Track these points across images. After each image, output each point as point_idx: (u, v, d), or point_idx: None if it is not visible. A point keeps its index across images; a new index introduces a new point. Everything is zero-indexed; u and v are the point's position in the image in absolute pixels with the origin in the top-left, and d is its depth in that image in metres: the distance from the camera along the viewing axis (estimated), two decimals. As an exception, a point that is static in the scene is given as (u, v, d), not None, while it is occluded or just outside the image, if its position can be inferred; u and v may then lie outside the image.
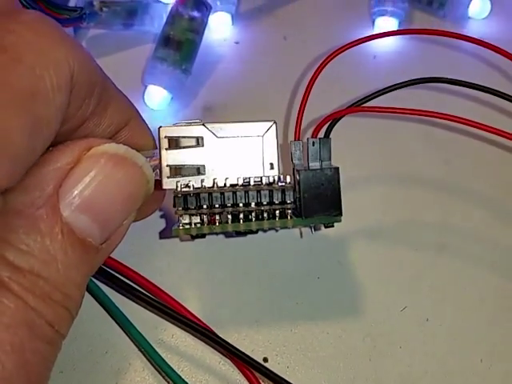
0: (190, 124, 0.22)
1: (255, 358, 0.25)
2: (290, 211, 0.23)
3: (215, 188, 0.22)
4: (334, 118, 0.23)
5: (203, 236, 0.24)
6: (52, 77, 0.16)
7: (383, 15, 0.34)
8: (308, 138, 0.23)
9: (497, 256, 0.29)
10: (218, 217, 0.22)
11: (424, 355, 0.26)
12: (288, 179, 0.22)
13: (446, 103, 0.32)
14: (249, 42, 0.35)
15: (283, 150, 0.28)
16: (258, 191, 0.22)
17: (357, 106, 0.23)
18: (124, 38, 0.34)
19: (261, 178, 0.22)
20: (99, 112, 0.19)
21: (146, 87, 0.32)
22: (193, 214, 0.22)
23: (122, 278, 0.26)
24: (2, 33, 0.15)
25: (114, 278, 0.26)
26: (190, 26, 0.31)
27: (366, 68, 0.33)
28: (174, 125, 0.22)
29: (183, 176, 0.22)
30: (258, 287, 0.27)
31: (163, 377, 0.25)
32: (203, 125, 0.22)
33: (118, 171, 0.18)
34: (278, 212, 0.22)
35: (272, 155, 0.22)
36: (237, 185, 0.22)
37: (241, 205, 0.22)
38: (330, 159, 0.23)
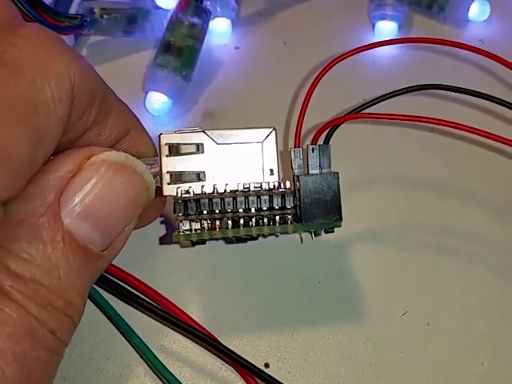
0: (190, 131, 0.22)
1: (257, 363, 0.25)
2: (290, 216, 0.23)
3: (215, 194, 0.22)
4: (333, 125, 0.23)
5: (203, 242, 0.24)
6: (53, 89, 0.16)
7: (383, 19, 0.35)
8: (308, 145, 0.23)
9: (498, 259, 0.29)
10: (218, 222, 0.22)
11: (425, 360, 0.26)
12: (288, 185, 0.22)
13: (445, 109, 0.32)
14: (249, 47, 0.35)
15: (283, 155, 0.29)
16: (258, 197, 0.22)
17: (356, 113, 0.23)
18: (125, 45, 0.34)
19: (261, 183, 0.22)
20: (100, 122, 0.19)
21: (146, 93, 0.32)
22: (193, 220, 0.22)
23: (123, 284, 0.26)
24: (3, 47, 0.16)
25: (115, 285, 0.26)
26: (190, 32, 0.31)
27: (366, 73, 0.33)
28: (175, 132, 0.22)
29: (184, 182, 0.22)
30: (258, 292, 0.27)
31: (164, 383, 0.25)
32: (203, 132, 0.22)
33: (119, 178, 0.18)
34: (278, 217, 0.22)
35: (272, 161, 0.22)
36: (237, 191, 0.22)
37: (241, 210, 0.22)
38: (329, 166, 0.23)
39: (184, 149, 0.22)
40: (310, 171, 0.23)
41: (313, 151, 0.23)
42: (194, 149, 0.22)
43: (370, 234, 0.29)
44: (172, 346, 0.26)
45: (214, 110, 0.32)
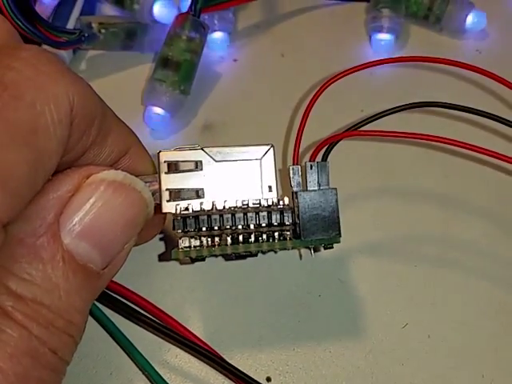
0: (189, 148, 0.22)
1: (258, 377, 0.25)
2: (288, 233, 0.23)
3: (214, 210, 0.22)
4: (331, 142, 0.23)
5: (203, 259, 0.24)
6: (52, 112, 0.16)
7: (380, 31, 0.35)
8: (306, 162, 0.23)
9: (498, 270, 0.29)
10: (217, 239, 0.23)
11: (426, 372, 0.26)
12: (286, 201, 0.22)
13: (442, 124, 0.32)
14: (247, 59, 0.35)
15: (282, 171, 0.29)
16: (257, 213, 0.22)
17: (353, 130, 0.23)
18: (123, 59, 0.34)
19: (259, 200, 0.22)
20: (99, 142, 0.19)
21: (145, 107, 0.32)
22: (192, 237, 0.22)
23: (124, 300, 0.26)
24: (2, 70, 0.16)
25: (115, 301, 0.26)
26: (188, 46, 0.31)
27: (363, 85, 0.33)
28: (174, 149, 0.22)
29: (183, 199, 0.22)
30: (259, 306, 0.27)
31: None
32: (202, 149, 0.22)
33: (118, 197, 0.18)
34: (276, 234, 0.23)
35: (270, 178, 0.22)
36: (236, 207, 0.22)
37: (240, 227, 0.22)
38: (328, 182, 0.23)
39: (183, 166, 0.22)
40: (309, 188, 0.23)
41: (311, 168, 0.23)
42: (192, 166, 0.22)
43: (369, 246, 0.29)
44: (174, 360, 0.26)
45: (212, 123, 0.33)
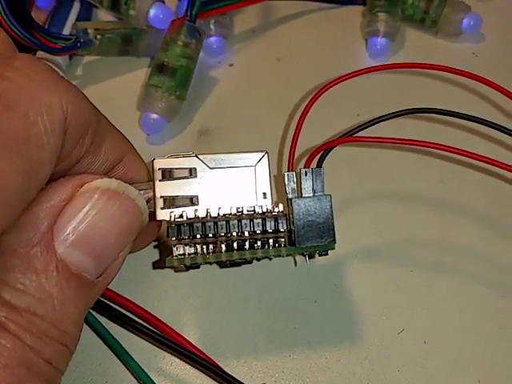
0: (183, 155, 0.22)
1: (254, 384, 0.25)
2: (283, 240, 0.23)
3: (208, 218, 0.22)
4: (326, 148, 0.23)
5: (198, 266, 0.24)
6: (45, 121, 0.16)
7: (376, 35, 0.35)
8: (300, 169, 0.23)
9: (494, 276, 0.28)
10: (211, 246, 0.22)
11: (422, 378, 0.26)
12: (281, 208, 0.22)
13: (438, 129, 0.32)
14: (243, 64, 0.35)
15: (277, 178, 0.29)
16: (252, 220, 0.22)
17: (348, 136, 0.23)
18: (119, 64, 0.34)
19: (254, 207, 0.22)
20: (93, 150, 0.19)
21: (141, 113, 0.32)
22: (186, 244, 0.22)
23: (119, 308, 0.26)
24: None
25: (110, 309, 0.26)
26: (183, 52, 0.31)
27: (359, 88, 0.33)
28: (168, 156, 0.22)
29: (177, 207, 0.22)
30: (254, 313, 0.27)
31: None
32: (196, 156, 0.22)
33: (112, 205, 0.18)
34: (271, 241, 0.23)
35: (265, 185, 0.22)
36: (230, 214, 0.22)
37: (234, 234, 0.22)
38: (322, 189, 0.23)
39: (177, 173, 0.22)
40: (304, 194, 0.23)
41: (306, 174, 0.23)
42: (187, 173, 0.22)
43: (365, 252, 0.29)
44: (169, 368, 0.26)
45: (208, 128, 0.33)
